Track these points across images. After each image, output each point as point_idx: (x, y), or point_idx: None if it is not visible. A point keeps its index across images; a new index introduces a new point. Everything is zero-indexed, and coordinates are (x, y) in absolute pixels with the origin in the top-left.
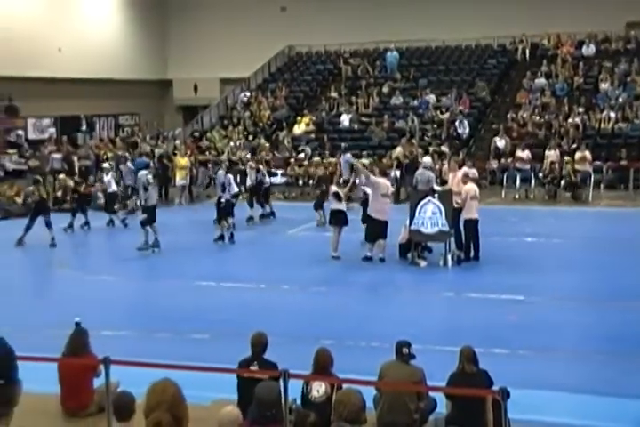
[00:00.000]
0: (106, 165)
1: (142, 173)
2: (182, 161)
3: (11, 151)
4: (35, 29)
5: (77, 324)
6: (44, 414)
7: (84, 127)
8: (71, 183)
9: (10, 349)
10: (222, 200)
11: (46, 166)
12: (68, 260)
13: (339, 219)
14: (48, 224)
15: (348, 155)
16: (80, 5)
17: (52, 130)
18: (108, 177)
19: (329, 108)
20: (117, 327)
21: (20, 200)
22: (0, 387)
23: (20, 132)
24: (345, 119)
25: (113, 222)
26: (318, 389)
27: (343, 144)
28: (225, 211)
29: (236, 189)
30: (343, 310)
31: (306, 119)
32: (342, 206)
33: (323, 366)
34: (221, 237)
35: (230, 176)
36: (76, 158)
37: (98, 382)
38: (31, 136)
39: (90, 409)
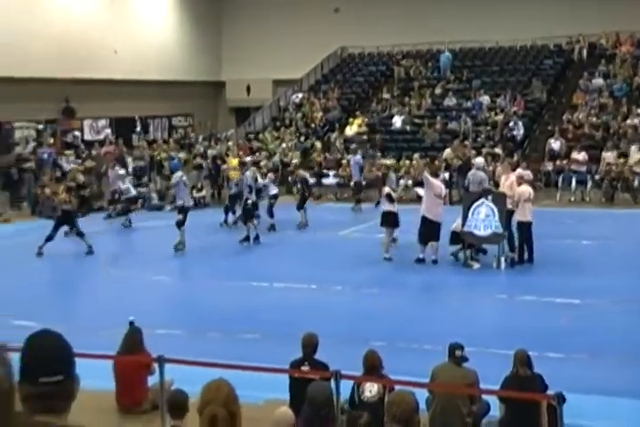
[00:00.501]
0: (121, 171)
1: (177, 174)
2: (235, 162)
3: (67, 152)
4: (91, 32)
5: (131, 323)
6: (100, 410)
7: (138, 128)
8: (81, 178)
9: (68, 345)
10: (249, 202)
11: (101, 167)
12: (115, 261)
13: (390, 220)
14: (79, 234)
15: (358, 156)
16: (135, 8)
17: (108, 131)
18: (126, 184)
19: (381, 109)
20: (171, 326)
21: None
22: (59, 382)
23: (77, 133)
24: (397, 121)
25: (130, 223)
26: (371, 389)
27: (353, 145)
28: (251, 212)
29: (275, 190)
30: (395, 312)
31: (358, 121)
32: (394, 208)
33: (372, 367)
34: (247, 239)
35: (272, 176)
36: (130, 159)
37: (152, 381)
38: (87, 137)
39: (144, 406)
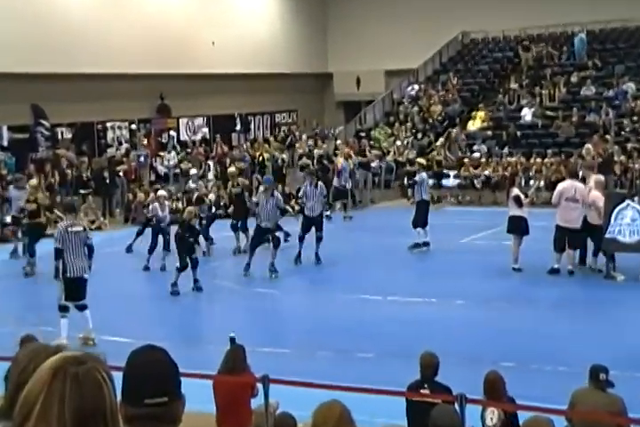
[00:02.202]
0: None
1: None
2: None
3: (162, 154)
4: (187, 24)
5: (232, 339)
6: None
7: (238, 126)
8: (45, 199)
9: (174, 363)
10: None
11: (198, 169)
12: (213, 271)
13: (519, 226)
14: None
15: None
16: None
17: (205, 130)
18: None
19: (508, 101)
20: (275, 344)
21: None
22: (165, 404)
23: (172, 132)
24: (527, 113)
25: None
26: (491, 416)
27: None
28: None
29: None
30: (526, 329)
31: (481, 114)
32: (523, 212)
33: (494, 390)
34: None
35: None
36: (228, 160)
37: (256, 403)
38: (183, 137)
39: None
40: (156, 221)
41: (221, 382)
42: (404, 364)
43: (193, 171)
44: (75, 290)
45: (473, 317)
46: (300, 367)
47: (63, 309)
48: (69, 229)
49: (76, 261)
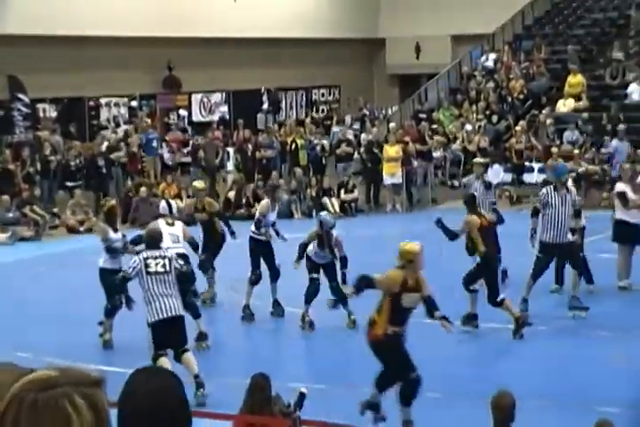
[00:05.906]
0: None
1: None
2: (391, 150)
3: (170, 138)
4: None
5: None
6: None
7: (265, 105)
8: None
9: (183, 394)
10: None
11: (213, 159)
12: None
13: (627, 233)
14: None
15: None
16: None
17: (224, 109)
18: None
19: (610, 75)
20: (309, 378)
21: (181, 204)
22: None
23: (183, 111)
24: (634, 91)
25: None
26: None
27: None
28: None
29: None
30: (636, 369)
31: (576, 91)
32: (633, 216)
33: None
34: None
35: None
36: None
37: None
38: (196, 118)
39: None
40: None
41: (243, 424)
42: (475, 406)
43: None
44: None
45: (556, 348)
46: (344, 408)
47: None
48: None
49: None
